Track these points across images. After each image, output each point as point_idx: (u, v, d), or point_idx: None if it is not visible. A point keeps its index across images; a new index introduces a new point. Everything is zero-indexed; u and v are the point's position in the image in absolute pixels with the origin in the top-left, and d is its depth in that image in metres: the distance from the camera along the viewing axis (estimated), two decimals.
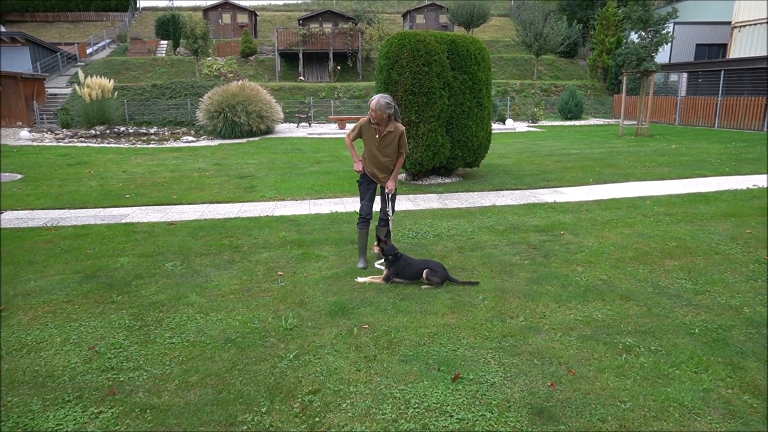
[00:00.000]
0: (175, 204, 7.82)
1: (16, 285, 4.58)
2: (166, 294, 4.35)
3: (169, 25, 32.54)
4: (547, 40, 29.01)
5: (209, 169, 11.11)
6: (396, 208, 7.10)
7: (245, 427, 2.67)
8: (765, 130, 18.11)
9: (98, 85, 20.14)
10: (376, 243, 4.71)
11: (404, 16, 38.43)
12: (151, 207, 7.64)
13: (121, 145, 16.42)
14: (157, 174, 10.47)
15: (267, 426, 2.68)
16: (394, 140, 4.75)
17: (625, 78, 17.41)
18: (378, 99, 4.58)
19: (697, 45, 26.89)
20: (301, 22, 33.64)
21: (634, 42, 16.71)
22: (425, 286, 4.46)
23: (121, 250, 5.58)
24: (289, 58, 31.26)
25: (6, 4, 39.28)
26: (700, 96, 21.55)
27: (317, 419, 2.72)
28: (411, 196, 8.21)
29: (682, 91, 23.79)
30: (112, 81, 21.08)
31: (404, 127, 4.84)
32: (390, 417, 2.74)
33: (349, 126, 21.04)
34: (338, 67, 30.49)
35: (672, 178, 9.37)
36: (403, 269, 4.52)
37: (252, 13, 37.13)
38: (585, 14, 35.59)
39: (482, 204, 7.59)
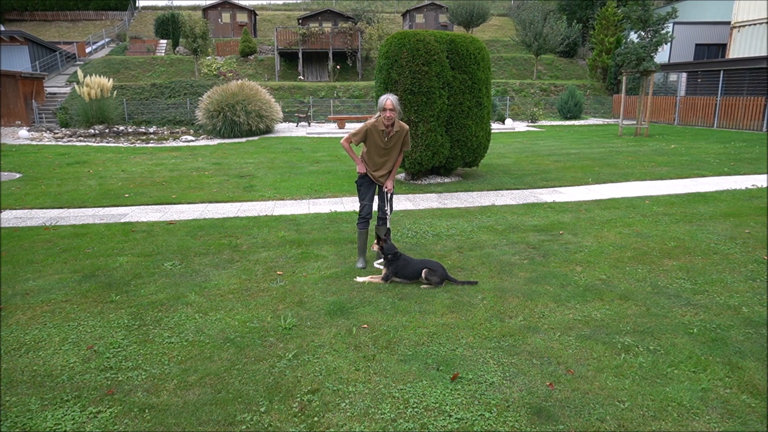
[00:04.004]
0: (175, 203, 7.81)
1: (15, 284, 4.58)
2: (165, 293, 4.35)
3: (169, 24, 32.53)
4: (546, 39, 29.01)
5: (208, 168, 11.11)
6: (395, 208, 7.13)
7: (244, 427, 2.67)
8: (764, 130, 18.13)
9: (97, 84, 20.13)
10: (375, 241, 4.72)
11: (404, 15, 38.43)
12: (150, 206, 7.64)
13: (120, 145, 16.41)
14: (156, 173, 10.47)
15: (266, 425, 2.68)
16: (400, 139, 4.86)
17: (624, 78, 17.42)
18: (392, 98, 4.61)
19: (697, 45, 26.91)
20: (300, 21, 33.63)
21: (633, 42, 16.72)
22: (424, 286, 4.46)
23: (120, 249, 5.57)
24: (288, 57, 31.25)
25: (5, 3, 39.24)
26: (699, 96, 21.56)
27: (316, 419, 2.72)
28: (410, 195, 8.21)
29: (682, 90, 23.81)
30: (111, 80, 21.06)
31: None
32: (389, 416, 2.74)
33: (349, 126, 21.04)
34: (338, 67, 30.48)
35: (671, 178, 9.37)
36: (402, 268, 4.52)
37: (251, 12, 37.11)
38: (584, 14, 35.60)
39: (481, 203, 7.59)
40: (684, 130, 19.50)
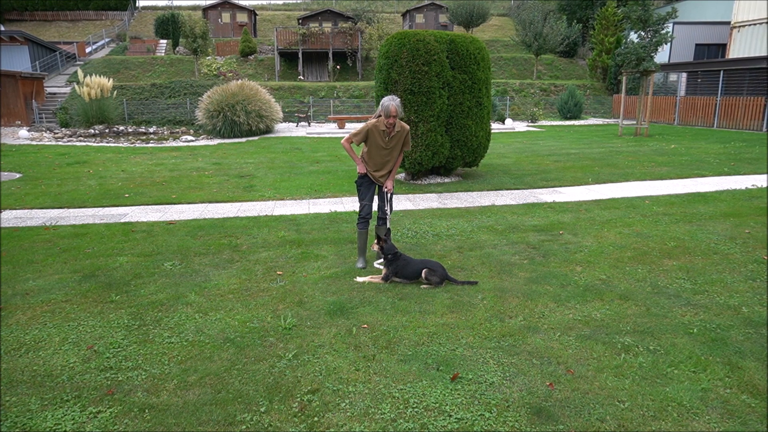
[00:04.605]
0: (174, 203, 7.81)
1: (15, 284, 4.58)
2: (165, 293, 4.35)
3: (169, 24, 32.53)
4: (546, 39, 29.01)
5: (208, 168, 11.11)
6: (395, 208, 7.13)
7: (244, 427, 2.67)
8: (764, 130, 18.12)
9: (97, 84, 20.13)
10: (375, 241, 4.72)
11: (404, 15, 38.43)
12: (150, 206, 7.64)
13: (120, 145, 16.41)
14: (156, 173, 10.47)
15: (266, 425, 2.68)
16: (401, 140, 4.88)
17: (624, 78, 17.42)
18: (394, 104, 4.61)
19: (697, 45, 26.91)
20: (300, 21, 33.63)
21: (633, 42, 16.71)
22: (424, 286, 4.46)
23: (120, 249, 5.57)
24: (288, 57, 31.25)
25: (5, 3, 39.24)
26: (699, 96, 21.56)
27: (316, 419, 2.72)
28: (410, 195, 8.21)
29: (682, 90, 23.81)
30: (111, 80, 21.06)
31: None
32: (389, 416, 2.74)
33: (349, 126, 21.04)
34: (338, 67, 30.48)
35: (671, 178, 9.37)
36: (402, 268, 4.53)
37: (251, 12, 37.11)
38: (584, 14, 35.60)
39: (481, 203, 7.59)
40: (684, 130, 19.50)
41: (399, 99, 4.77)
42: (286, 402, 2.87)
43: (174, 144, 16.56)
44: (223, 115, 17.66)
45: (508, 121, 22.56)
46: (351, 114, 24.12)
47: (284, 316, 3.88)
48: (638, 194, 8.05)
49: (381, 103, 4.69)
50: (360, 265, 4.96)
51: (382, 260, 4.79)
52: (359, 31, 30.53)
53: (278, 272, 4.83)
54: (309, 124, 23.05)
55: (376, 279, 4.59)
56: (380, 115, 4.71)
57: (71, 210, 7.45)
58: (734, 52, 23.19)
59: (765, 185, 8.59)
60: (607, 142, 15.18)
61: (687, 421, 2.69)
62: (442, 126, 8.42)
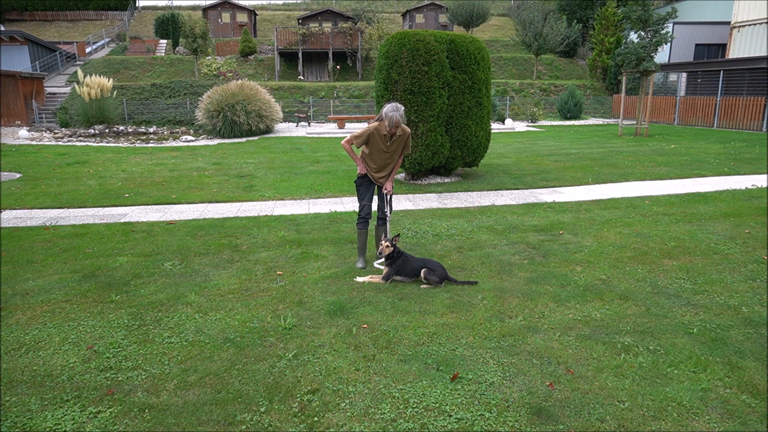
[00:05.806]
0: (174, 203, 7.81)
1: (15, 284, 4.58)
2: (165, 293, 4.35)
3: (169, 24, 32.54)
4: (546, 39, 29.02)
5: (208, 168, 11.11)
6: (395, 208, 7.14)
7: (244, 427, 2.67)
8: (764, 130, 18.13)
9: (97, 84, 20.13)
10: (384, 245, 4.64)
11: (404, 15, 38.44)
12: (150, 206, 7.64)
13: (120, 145, 16.41)
14: (156, 173, 10.47)
15: (266, 425, 2.68)
16: (401, 143, 4.90)
17: (624, 78, 17.42)
18: (398, 115, 4.60)
19: (697, 45, 26.91)
20: (300, 21, 33.64)
21: (633, 42, 16.72)
22: (424, 286, 4.46)
23: (119, 249, 5.57)
24: (288, 57, 31.25)
25: (5, 3, 39.24)
26: (699, 96, 21.56)
27: (316, 419, 2.72)
28: (410, 195, 8.21)
29: (682, 90, 23.81)
30: (111, 80, 21.07)
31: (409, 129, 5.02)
32: (389, 416, 2.74)
33: (349, 126, 21.04)
34: (338, 67, 30.48)
35: (671, 178, 9.37)
36: (402, 266, 4.54)
37: (251, 12, 37.11)
38: (584, 14, 35.61)
39: (481, 203, 7.59)
40: (684, 130, 19.50)
41: (403, 108, 4.74)
42: (286, 402, 2.87)
43: (174, 144, 16.56)
44: (223, 115, 17.67)
45: (508, 121, 22.56)
46: (351, 114, 24.12)
47: (284, 316, 3.88)
48: (638, 194, 8.05)
49: (385, 111, 4.65)
50: (360, 265, 4.96)
51: (382, 260, 4.79)
52: (359, 31, 30.53)
53: (278, 272, 4.83)
54: (309, 124, 23.05)
55: (376, 279, 4.59)
56: (381, 119, 4.71)
57: (71, 210, 7.45)
58: (734, 52, 23.19)
59: (765, 185, 8.59)
60: (607, 142, 15.18)
61: (687, 421, 2.69)
62: (442, 126, 8.42)
